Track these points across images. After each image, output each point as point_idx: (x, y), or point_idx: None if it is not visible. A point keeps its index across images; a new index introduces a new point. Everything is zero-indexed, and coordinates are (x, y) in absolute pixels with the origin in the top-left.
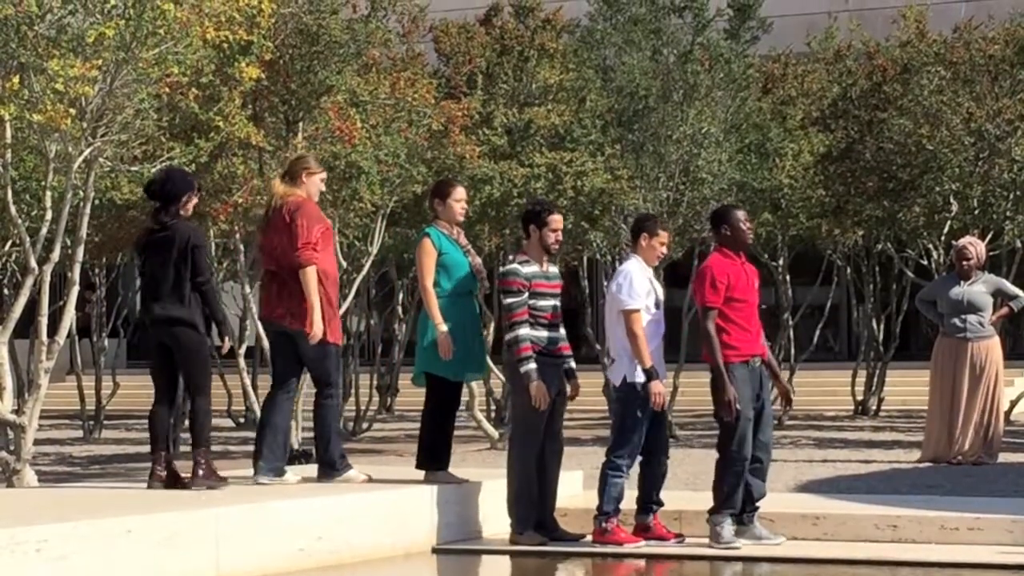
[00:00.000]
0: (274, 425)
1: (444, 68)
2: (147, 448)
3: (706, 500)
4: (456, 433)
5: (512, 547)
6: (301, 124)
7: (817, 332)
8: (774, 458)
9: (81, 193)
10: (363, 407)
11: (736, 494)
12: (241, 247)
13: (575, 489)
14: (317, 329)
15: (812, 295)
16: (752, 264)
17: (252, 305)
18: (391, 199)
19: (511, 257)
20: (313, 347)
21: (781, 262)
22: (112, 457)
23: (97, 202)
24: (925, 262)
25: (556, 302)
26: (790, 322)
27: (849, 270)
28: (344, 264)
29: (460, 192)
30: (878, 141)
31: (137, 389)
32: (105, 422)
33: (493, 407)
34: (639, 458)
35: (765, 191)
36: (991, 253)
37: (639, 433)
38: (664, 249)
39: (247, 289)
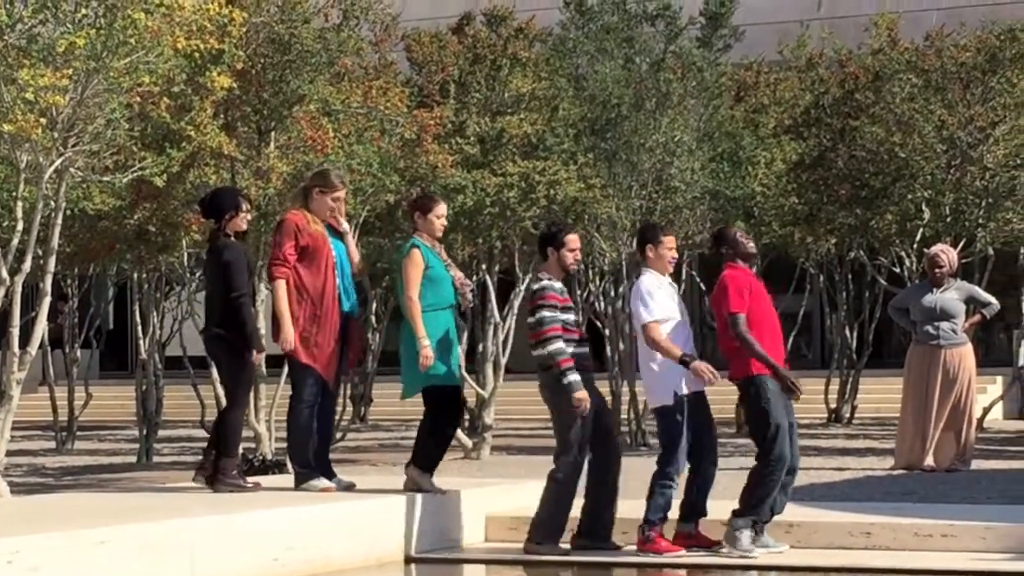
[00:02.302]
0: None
1: (416, 77)
2: (119, 459)
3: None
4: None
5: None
6: (273, 133)
7: (790, 340)
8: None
9: (52, 203)
10: (337, 417)
11: (765, 504)
12: None
13: None
14: (286, 337)
15: (785, 303)
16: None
17: None
18: (364, 208)
19: (540, 275)
20: (291, 361)
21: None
22: (85, 468)
23: (69, 212)
24: (898, 269)
25: (576, 317)
26: None
27: (822, 278)
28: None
29: (442, 208)
30: (850, 149)
31: (110, 400)
32: (78, 433)
33: (467, 417)
34: (686, 466)
35: (738, 199)
36: (963, 260)
37: (685, 440)
38: (674, 253)
39: None
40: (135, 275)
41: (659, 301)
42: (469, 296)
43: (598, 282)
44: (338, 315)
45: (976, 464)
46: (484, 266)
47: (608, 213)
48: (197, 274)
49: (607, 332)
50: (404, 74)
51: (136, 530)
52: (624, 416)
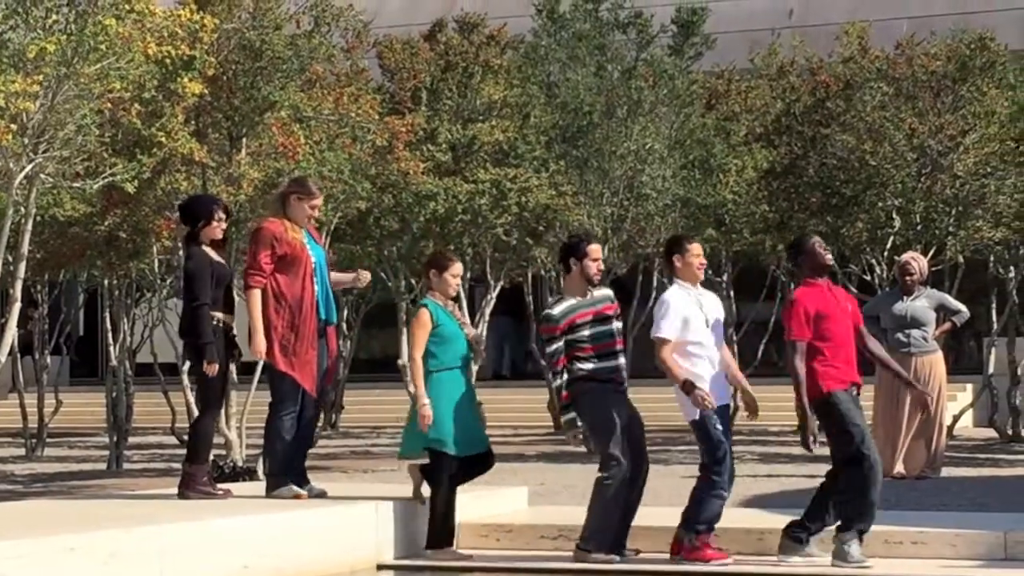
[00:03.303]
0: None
1: (388, 84)
2: (89, 466)
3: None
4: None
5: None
6: (244, 140)
7: (761, 347)
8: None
9: (23, 209)
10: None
11: (869, 512)
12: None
13: (520, 504)
14: (258, 346)
15: (756, 310)
16: (841, 289)
17: None
18: (335, 215)
19: (553, 298)
20: (270, 370)
21: (725, 277)
22: (55, 475)
23: (39, 219)
24: (868, 277)
25: (604, 328)
26: (734, 337)
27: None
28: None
29: (457, 268)
30: (821, 157)
31: (80, 407)
32: (48, 440)
33: None
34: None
35: (709, 207)
36: (934, 268)
37: (725, 447)
38: (701, 259)
39: None
40: (105, 281)
41: (678, 317)
42: (483, 352)
43: None
44: (316, 323)
45: (946, 471)
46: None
47: (579, 220)
48: (168, 280)
49: None
50: (376, 81)
51: (105, 537)
52: None
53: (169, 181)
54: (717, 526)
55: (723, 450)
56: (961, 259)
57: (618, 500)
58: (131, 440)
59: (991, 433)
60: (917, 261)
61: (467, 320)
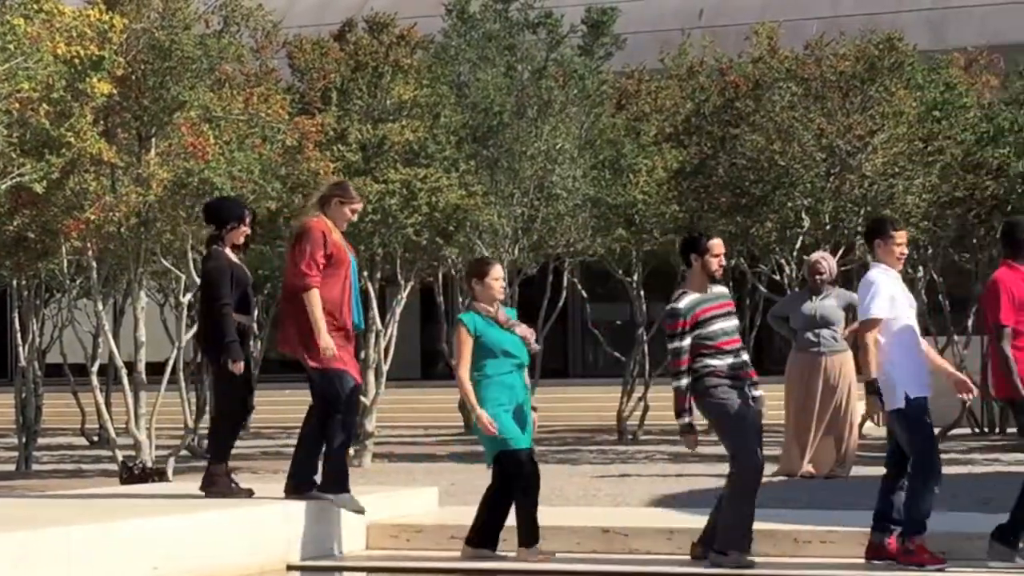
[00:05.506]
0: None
1: (298, 84)
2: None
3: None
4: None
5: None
6: (154, 140)
7: None
8: (628, 473)
9: None
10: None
11: None
12: (93, 264)
13: (430, 506)
14: (327, 346)
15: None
16: None
17: (105, 322)
18: None
19: (676, 294)
20: (316, 371)
21: (635, 277)
22: None
23: None
24: (778, 277)
25: (730, 323)
26: (644, 337)
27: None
28: (198, 281)
29: (497, 271)
30: (731, 157)
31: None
32: None
33: None
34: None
35: (619, 207)
36: (842, 268)
37: (934, 445)
38: (904, 249)
39: (99, 306)
40: (14, 282)
41: (886, 296)
42: (534, 346)
43: None
44: (352, 326)
45: (856, 470)
46: (366, 273)
47: (490, 220)
48: (78, 281)
49: None
50: (286, 81)
51: (13, 539)
52: None
53: (78, 181)
54: (625, 525)
55: (930, 446)
56: (869, 258)
57: (750, 497)
58: (40, 441)
59: None
60: (826, 261)
61: (514, 320)
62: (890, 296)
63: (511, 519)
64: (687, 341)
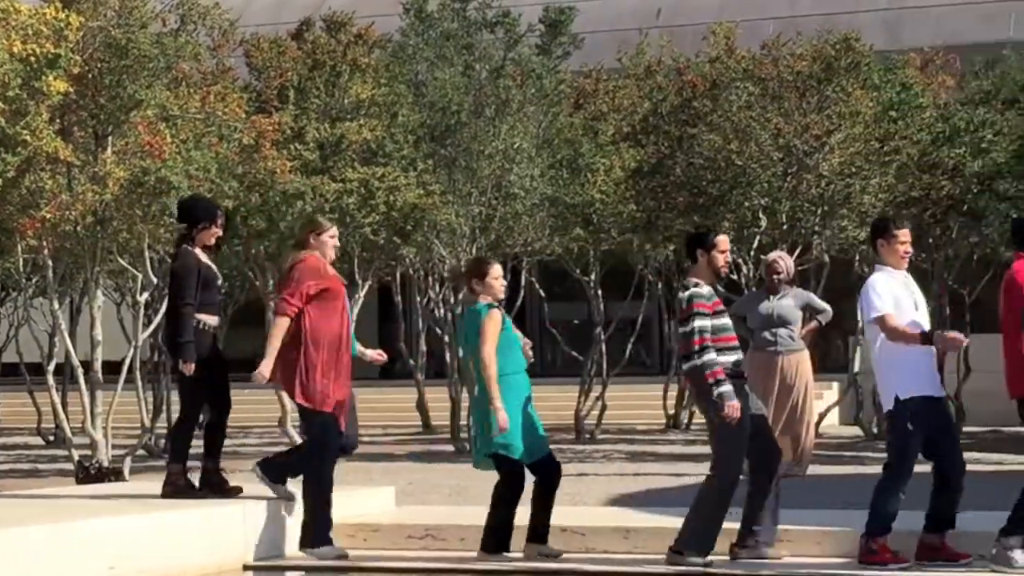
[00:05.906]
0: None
1: (255, 82)
2: None
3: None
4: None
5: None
6: (110, 138)
7: (629, 346)
8: (585, 472)
9: None
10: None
11: None
12: (49, 263)
13: (387, 505)
14: (263, 370)
15: (624, 310)
16: None
17: (61, 321)
18: None
19: (687, 282)
20: (302, 410)
21: (593, 277)
22: None
23: None
24: (735, 277)
25: (729, 322)
26: (602, 336)
27: (660, 285)
28: (155, 280)
29: (497, 269)
30: (688, 156)
31: None
32: None
33: None
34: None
35: (577, 206)
36: (800, 267)
37: (914, 450)
38: (907, 248)
39: (55, 305)
40: None
41: (889, 295)
42: (530, 354)
43: (438, 289)
44: (350, 359)
45: (812, 470)
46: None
47: (447, 219)
48: (34, 280)
49: (446, 339)
50: (243, 80)
51: None
52: (464, 423)
53: (34, 180)
54: (582, 524)
55: (913, 450)
56: (827, 258)
57: (726, 503)
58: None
59: (856, 431)
60: (784, 260)
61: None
62: (892, 296)
63: (518, 520)
64: (710, 321)
